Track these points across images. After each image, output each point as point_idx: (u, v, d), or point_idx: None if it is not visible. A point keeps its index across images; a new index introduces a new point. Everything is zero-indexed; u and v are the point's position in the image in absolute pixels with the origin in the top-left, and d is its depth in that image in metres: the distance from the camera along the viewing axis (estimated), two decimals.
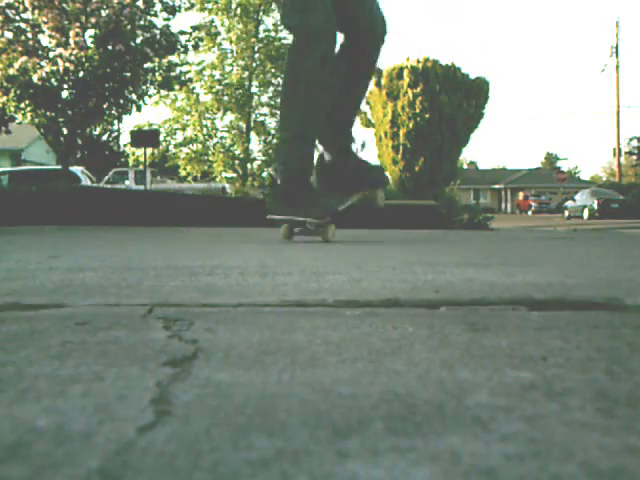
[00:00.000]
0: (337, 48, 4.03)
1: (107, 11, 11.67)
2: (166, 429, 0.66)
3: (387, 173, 18.03)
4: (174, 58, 13.49)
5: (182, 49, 13.18)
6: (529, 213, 51.12)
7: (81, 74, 11.71)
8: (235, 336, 1.13)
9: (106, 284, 1.83)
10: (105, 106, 12.42)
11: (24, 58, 11.30)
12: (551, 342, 1.10)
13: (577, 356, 1.00)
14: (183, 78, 13.94)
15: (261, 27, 29.58)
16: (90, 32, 12.00)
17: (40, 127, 12.85)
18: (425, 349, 1.04)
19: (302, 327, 1.21)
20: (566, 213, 34.91)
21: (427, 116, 16.76)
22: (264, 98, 30.18)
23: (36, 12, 11.44)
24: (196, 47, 13.72)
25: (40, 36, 11.85)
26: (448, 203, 12.13)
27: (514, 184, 64.69)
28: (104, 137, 30.97)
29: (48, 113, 12.03)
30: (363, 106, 18.68)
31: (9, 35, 11.71)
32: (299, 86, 3.90)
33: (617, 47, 45.60)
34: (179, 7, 12.98)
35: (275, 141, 30.26)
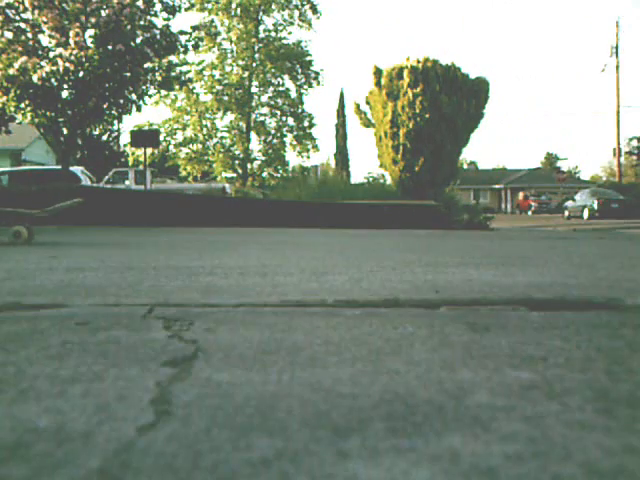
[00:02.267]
0: None
1: (107, 11, 11.66)
2: (166, 429, 0.66)
3: (387, 173, 17.99)
4: (174, 58, 13.49)
5: (182, 49, 13.17)
6: (529, 213, 51.09)
7: (81, 74, 11.70)
8: (235, 336, 1.13)
9: (106, 284, 1.83)
10: (105, 106, 12.40)
11: (24, 58, 11.29)
12: (551, 342, 1.10)
13: (577, 356, 1.00)
14: (183, 78, 13.93)
15: (261, 27, 29.57)
16: (90, 32, 11.98)
17: (40, 127, 12.85)
18: (425, 349, 1.04)
19: (302, 327, 1.21)
20: (566, 213, 34.89)
21: (427, 116, 16.77)
22: (264, 98, 30.17)
23: (36, 12, 11.44)
24: (196, 47, 13.73)
25: (40, 36, 11.84)
26: (448, 203, 12.12)
27: (514, 184, 64.71)
28: (104, 137, 30.98)
29: (48, 113, 12.02)
30: (363, 106, 18.67)
31: (9, 35, 11.70)
32: None
33: (617, 47, 45.60)
34: (179, 7, 12.97)
35: (275, 141, 30.28)
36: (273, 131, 30.49)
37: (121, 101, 12.68)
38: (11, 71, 11.51)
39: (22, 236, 3.86)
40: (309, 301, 1.51)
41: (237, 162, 29.90)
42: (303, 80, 29.94)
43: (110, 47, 11.81)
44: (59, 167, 14.24)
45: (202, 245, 4.09)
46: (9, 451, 0.60)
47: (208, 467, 0.57)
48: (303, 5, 29.39)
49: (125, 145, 32.49)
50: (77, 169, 17.77)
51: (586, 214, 32.39)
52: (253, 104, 30.28)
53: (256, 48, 29.46)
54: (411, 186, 16.90)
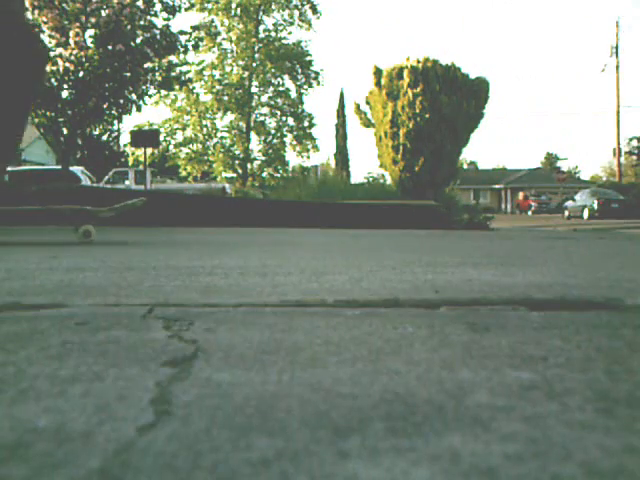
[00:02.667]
0: None
1: (107, 11, 11.67)
2: (166, 429, 0.66)
3: (387, 173, 17.97)
4: (174, 58, 13.50)
5: (182, 49, 13.19)
6: (529, 213, 51.11)
7: (81, 74, 11.71)
8: (235, 336, 1.13)
9: (106, 284, 1.83)
10: (105, 106, 12.42)
11: None
12: (551, 342, 1.10)
13: (577, 356, 1.00)
14: (183, 78, 13.94)
15: (261, 27, 29.59)
16: (90, 32, 12.00)
17: (40, 127, 12.85)
18: (425, 349, 1.04)
19: (302, 327, 1.21)
20: (566, 213, 34.87)
21: (427, 116, 16.77)
22: (264, 98, 30.20)
23: (36, 12, 11.45)
24: (196, 47, 13.75)
25: (40, 36, 11.85)
26: (448, 203, 12.13)
27: (514, 184, 64.77)
28: (104, 137, 30.96)
29: (48, 113, 12.03)
30: (363, 106, 18.65)
31: None
32: None
33: (617, 47, 45.63)
34: (179, 7, 12.99)
35: (275, 141, 30.22)
36: (273, 131, 30.47)
37: (121, 101, 12.68)
38: None
39: (92, 235, 3.82)
40: (309, 301, 1.51)
41: (237, 162, 29.87)
42: (303, 80, 29.92)
43: (110, 47, 11.81)
44: (59, 167, 14.23)
45: (202, 245, 4.09)
46: (9, 451, 0.60)
47: (208, 467, 0.57)
48: (303, 5, 29.38)
49: (125, 145, 32.45)
50: (77, 169, 17.75)
51: (586, 214, 32.37)
52: (253, 104, 30.26)
53: (256, 48, 29.45)
54: (411, 186, 16.90)
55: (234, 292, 1.67)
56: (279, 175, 29.45)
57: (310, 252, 3.34)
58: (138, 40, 12.34)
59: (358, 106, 18.98)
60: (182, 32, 13.25)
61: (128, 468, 0.56)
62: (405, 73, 16.99)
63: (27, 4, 11.47)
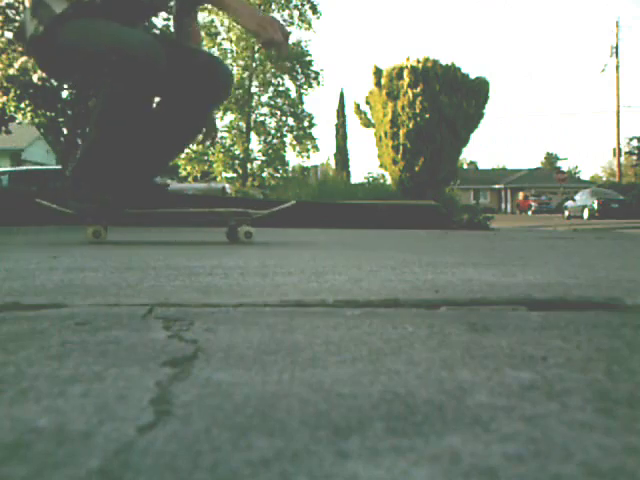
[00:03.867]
0: None
1: None
2: (166, 429, 0.66)
3: (387, 173, 17.93)
4: None
5: None
6: (529, 213, 51.11)
7: None
8: (235, 336, 1.13)
9: (106, 284, 1.82)
10: None
11: (24, 58, 11.29)
12: (551, 342, 1.10)
13: (577, 356, 1.00)
14: None
15: None
16: None
17: (40, 127, 12.85)
18: (425, 349, 1.04)
19: (302, 327, 1.21)
20: (566, 213, 34.85)
21: (427, 116, 16.76)
22: (264, 98, 30.20)
23: None
24: None
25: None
26: (448, 203, 12.14)
27: (514, 184, 64.78)
28: None
29: (48, 113, 12.03)
30: (363, 106, 18.63)
31: (9, 35, 11.70)
32: None
33: (617, 47, 45.64)
34: None
35: (275, 141, 30.20)
36: (273, 131, 30.45)
37: None
38: (11, 71, 11.50)
39: (252, 236, 3.96)
40: (309, 301, 1.51)
41: (237, 162, 29.85)
42: (303, 80, 29.92)
43: None
44: (59, 167, 14.22)
45: (202, 245, 4.09)
46: (9, 451, 0.60)
47: (208, 467, 0.57)
48: (303, 5, 29.37)
49: None
50: None
51: (586, 214, 32.36)
52: (253, 104, 30.25)
53: (256, 48, 29.42)
54: (411, 186, 16.91)
55: (234, 292, 1.67)
56: (279, 175, 29.44)
57: (310, 252, 3.34)
58: None
59: (358, 106, 18.97)
60: None
61: (128, 468, 0.56)
62: (405, 73, 16.98)
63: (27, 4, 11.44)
